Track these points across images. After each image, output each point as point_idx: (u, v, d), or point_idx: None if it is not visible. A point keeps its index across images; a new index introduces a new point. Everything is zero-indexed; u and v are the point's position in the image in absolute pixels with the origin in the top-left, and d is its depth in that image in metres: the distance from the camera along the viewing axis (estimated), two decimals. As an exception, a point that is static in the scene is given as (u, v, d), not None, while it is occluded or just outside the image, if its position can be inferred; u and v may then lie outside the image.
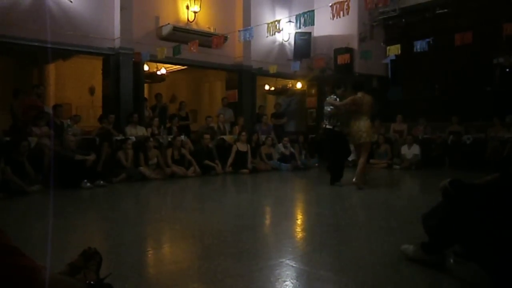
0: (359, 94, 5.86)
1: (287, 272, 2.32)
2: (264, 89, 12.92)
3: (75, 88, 10.95)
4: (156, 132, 8.27)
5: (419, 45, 7.56)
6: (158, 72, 11.00)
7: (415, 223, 2.85)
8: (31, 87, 8.05)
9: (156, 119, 8.56)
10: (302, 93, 12.68)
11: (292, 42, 11.36)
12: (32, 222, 3.85)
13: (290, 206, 4.96)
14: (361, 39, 11.16)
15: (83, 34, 7.98)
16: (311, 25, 6.23)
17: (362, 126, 5.74)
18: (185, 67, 10.73)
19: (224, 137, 8.99)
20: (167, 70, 11.23)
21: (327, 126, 6.14)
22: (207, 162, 7.94)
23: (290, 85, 12.62)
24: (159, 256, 2.82)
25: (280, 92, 12.97)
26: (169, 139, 7.98)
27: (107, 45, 8.34)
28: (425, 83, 11.03)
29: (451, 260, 2.45)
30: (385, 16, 11.09)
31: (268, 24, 6.98)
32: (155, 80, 11.28)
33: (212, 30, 9.40)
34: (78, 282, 1.76)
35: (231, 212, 4.43)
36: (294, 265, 2.46)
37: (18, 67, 10.04)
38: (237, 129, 9.36)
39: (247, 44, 9.92)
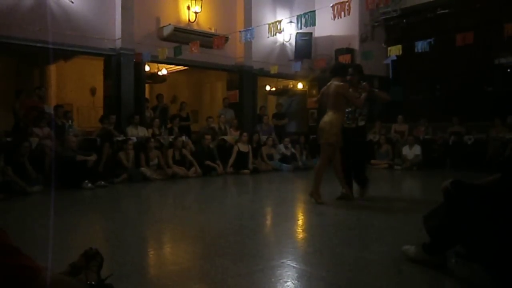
0: (330, 82, 4.86)
1: (288, 273, 2.32)
2: (265, 90, 12.92)
3: (76, 89, 10.97)
4: (157, 132, 8.28)
5: (420, 46, 7.56)
6: (159, 73, 11.02)
7: (416, 223, 2.84)
8: (32, 88, 8.08)
9: (157, 120, 8.57)
10: (303, 93, 12.68)
11: (293, 43, 11.36)
12: (33, 223, 3.85)
13: (291, 206, 4.95)
14: (362, 40, 11.16)
15: (84, 34, 7.99)
16: (312, 25, 6.23)
17: (322, 122, 4.74)
18: (186, 67, 10.75)
19: (225, 137, 9.00)
20: (168, 71, 11.24)
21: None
22: (208, 162, 7.94)
23: (291, 85, 12.63)
24: (161, 257, 2.82)
25: (281, 92, 12.98)
26: (170, 140, 7.98)
27: (108, 46, 8.35)
28: (426, 84, 11.02)
29: (453, 261, 2.45)
30: (386, 17, 11.09)
31: (269, 24, 6.97)
32: (156, 80, 11.29)
33: (213, 31, 9.41)
34: (79, 282, 1.76)
35: (232, 213, 4.42)
36: (295, 265, 2.46)
37: (20, 67, 10.06)
38: (232, 131, 9.37)
39: (248, 44, 9.92)
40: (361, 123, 4.97)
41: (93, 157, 6.41)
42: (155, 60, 8.87)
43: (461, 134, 9.11)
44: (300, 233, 3.55)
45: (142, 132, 8.02)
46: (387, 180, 7.45)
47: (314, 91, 12.33)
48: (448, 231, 2.21)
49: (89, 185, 6.00)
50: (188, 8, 9.40)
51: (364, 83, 4.90)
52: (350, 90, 4.80)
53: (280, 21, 6.91)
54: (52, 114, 7.22)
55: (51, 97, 9.82)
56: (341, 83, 4.75)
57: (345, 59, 10.28)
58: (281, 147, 9.23)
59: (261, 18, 10.22)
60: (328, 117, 4.71)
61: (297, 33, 11.08)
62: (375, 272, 2.35)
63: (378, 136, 9.92)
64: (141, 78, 8.89)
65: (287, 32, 10.91)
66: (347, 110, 4.89)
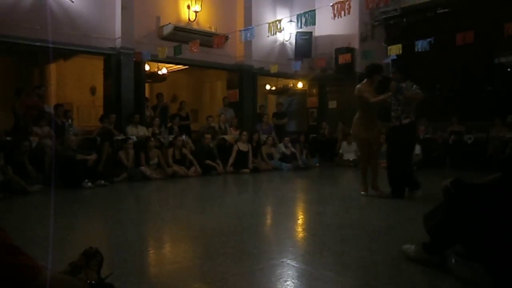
0: None
1: (288, 272, 2.32)
2: (265, 89, 12.92)
3: (76, 88, 10.97)
4: (157, 131, 8.28)
5: (420, 45, 7.56)
6: (159, 72, 11.02)
7: (416, 223, 2.84)
8: (32, 87, 8.08)
9: (157, 119, 8.57)
10: (303, 93, 12.69)
11: (293, 42, 11.36)
12: (33, 222, 3.85)
13: (291, 205, 4.95)
14: (362, 39, 11.16)
15: (84, 33, 7.99)
16: (312, 24, 6.23)
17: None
18: (186, 67, 10.75)
19: (225, 137, 9.00)
20: (168, 70, 11.24)
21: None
22: (208, 162, 7.94)
23: (291, 85, 12.63)
24: (160, 256, 2.82)
25: (281, 92, 12.98)
26: (170, 139, 7.99)
27: (108, 45, 8.34)
28: (426, 83, 11.00)
29: (453, 260, 2.45)
30: (386, 16, 11.08)
31: (269, 23, 6.98)
32: (156, 80, 11.29)
33: (213, 30, 9.41)
34: (79, 281, 1.76)
35: (232, 212, 4.42)
36: (295, 265, 2.46)
37: (20, 66, 10.06)
38: (232, 130, 9.37)
39: (248, 43, 9.92)
40: (406, 121, 4.79)
41: (93, 156, 6.41)
42: (155, 59, 8.87)
43: (461, 133, 9.11)
44: (300, 232, 3.55)
45: (142, 131, 8.02)
46: (387, 179, 7.43)
47: (314, 90, 12.35)
48: (448, 230, 2.21)
49: (89, 184, 6.00)
50: (188, 7, 9.40)
51: (392, 83, 4.89)
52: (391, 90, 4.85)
53: (280, 20, 6.91)
54: (52, 113, 7.22)
55: (51, 96, 9.82)
56: (358, 85, 5.07)
57: (345, 58, 10.29)
58: (281, 146, 9.23)
59: (261, 17, 10.22)
60: (355, 116, 5.14)
61: (297, 32, 11.08)
62: (375, 271, 2.35)
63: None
64: (141, 77, 8.89)
65: (287, 31, 10.90)
66: (392, 107, 4.92)
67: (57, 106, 7.50)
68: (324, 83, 11.98)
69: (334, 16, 5.77)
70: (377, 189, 5.14)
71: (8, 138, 6.36)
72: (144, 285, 2.16)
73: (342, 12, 5.70)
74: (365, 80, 5.08)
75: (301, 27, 6.49)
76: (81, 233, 3.55)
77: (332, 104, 11.90)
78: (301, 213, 4.55)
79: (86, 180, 6.01)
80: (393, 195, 4.89)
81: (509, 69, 9.71)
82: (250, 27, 7.92)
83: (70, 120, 7.61)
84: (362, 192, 5.20)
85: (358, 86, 5.06)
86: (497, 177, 2.29)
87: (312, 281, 2.21)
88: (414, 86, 4.74)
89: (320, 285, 2.17)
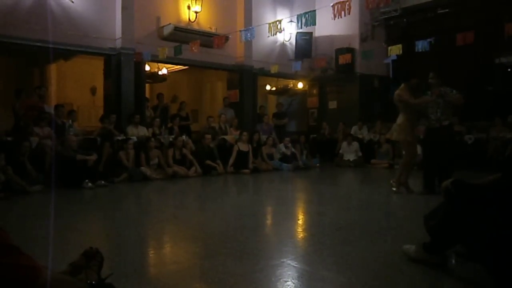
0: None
1: (289, 272, 2.32)
2: (265, 89, 12.92)
3: (77, 88, 10.98)
4: (158, 132, 8.28)
5: (421, 45, 7.58)
6: (159, 72, 11.02)
7: (416, 223, 2.84)
8: (33, 88, 8.08)
9: (158, 119, 8.57)
10: (303, 93, 12.69)
11: (294, 42, 11.37)
12: (33, 222, 3.85)
13: (291, 206, 4.95)
14: (363, 39, 11.16)
15: (84, 34, 8.00)
16: (313, 25, 6.23)
17: (394, 124, 5.62)
18: (186, 67, 10.76)
19: (226, 137, 9.00)
20: (168, 70, 11.24)
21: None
22: (208, 162, 7.94)
23: (291, 85, 12.63)
24: (161, 256, 2.82)
25: (281, 92, 12.98)
26: (171, 139, 7.99)
27: (108, 45, 8.35)
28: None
29: (453, 260, 2.45)
30: (387, 16, 11.08)
31: (269, 24, 6.98)
32: (156, 80, 11.30)
33: (213, 30, 9.41)
34: (79, 282, 1.76)
35: (232, 212, 4.42)
36: (295, 265, 2.45)
37: (20, 67, 10.07)
38: (232, 130, 9.38)
39: (248, 44, 9.92)
40: (445, 123, 5.12)
41: (93, 157, 6.40)
42: (155, 59, 8.87)
43: (461, 133, 9.10)
44: (300, 232, 3.55)
45: (143, 131, 8.02)
46: (387, 180, 7.43)
47: (314, 91, 12.36)
48: (448, 230, 2.21)
49: (89, 184, 6.00)
50: (189, 7, 9.40)
51: (435, 89, 5.22)
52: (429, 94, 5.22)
53: (280, 21, 6.92)
54: (52, 114, 7.23)
55: (51, 96, 9.83)
56: (397, 90, 5.38)
57: (345, 58, 10.29)
58: (281, 146, 9.23)
59: (262, 18, 10.22)
60: (398, 119, 5.44)
61: (297, 32, 11.08)
62: (375, 271, 2.35)
63: (378, 136, 9.92)
64: (141, 77, 8.89)
65: (287, 32, 10.91)
66: (430, 110, 5.22)
67: (57, 107, 7.50)
68: (324, 83, 11.99)
69: (334, 16, 5.78)
70: (400, 186, 5.40)
71: (8, 138, 6.36)
72: (144, 285, 2.16)
73: (342, 13, 5.71)
74: (402, 85, 5.38)
75: (301, 28, 6.49)
76: (81, 233, 3.54)
77: (332, 105, 11.91)
78: (301, 214, 4.55)
79: (87, 181, 6.01)
80: (425, 190, 5.13)
81: (509, 69, 9.71)
82: (250, 27, 7.93)
83: (70, 121, 7.61)
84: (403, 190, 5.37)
85: (397, 91, 5.34)
86: (497, 177, 2.29)
87: (312, 281, 2.21)
88: (454, 91, 5.08)
89: (320, 285, 2.17)
